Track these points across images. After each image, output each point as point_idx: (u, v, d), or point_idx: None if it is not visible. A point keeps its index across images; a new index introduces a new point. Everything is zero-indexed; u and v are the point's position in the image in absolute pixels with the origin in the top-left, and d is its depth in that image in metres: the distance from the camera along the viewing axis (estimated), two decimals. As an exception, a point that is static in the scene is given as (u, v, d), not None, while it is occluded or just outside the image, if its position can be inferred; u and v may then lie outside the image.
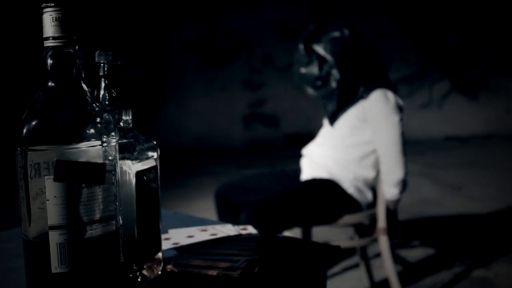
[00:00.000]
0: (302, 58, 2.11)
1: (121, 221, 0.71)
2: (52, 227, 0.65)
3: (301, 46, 2.11)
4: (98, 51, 0.80)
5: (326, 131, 2.23)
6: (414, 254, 2.84)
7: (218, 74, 6.63)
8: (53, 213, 0.65)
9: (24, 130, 0.65)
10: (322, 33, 2.08)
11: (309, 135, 5.62)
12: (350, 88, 2.08)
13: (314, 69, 2.08)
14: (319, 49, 2.07)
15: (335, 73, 2.06)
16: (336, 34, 2.05)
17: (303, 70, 2.12)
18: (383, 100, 2.03)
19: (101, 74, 0.79)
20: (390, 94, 2.06)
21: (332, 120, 2.16)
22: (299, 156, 2.36)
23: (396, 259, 2.65)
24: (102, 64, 0.79)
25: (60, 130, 0.65)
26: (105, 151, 0.68)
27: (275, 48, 6.56)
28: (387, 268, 2.18)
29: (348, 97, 2.10)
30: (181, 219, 1.18)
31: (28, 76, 3.33)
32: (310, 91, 2.17)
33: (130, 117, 0.82)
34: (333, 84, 2.08)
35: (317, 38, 2.08)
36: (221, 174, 4.87)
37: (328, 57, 2.05)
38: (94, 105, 0.69)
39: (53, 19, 0.67)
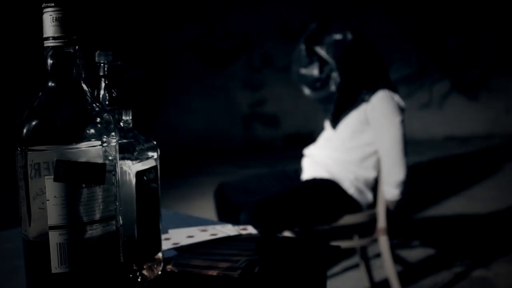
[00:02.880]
0: (303, 58, 2.10)
1: (121, 221, 0.71)
2: (52, 227, 0.65)
3: (302, 47, 2.10)
4: (98, 51, 0.80)
5: (328, 134, 2.23)
6: (414, 254, 2.84)
7: (218, 74, 6.62)
8: (53, 213, 0.65)
9: (24, 130, 0.65)
10: (324, 34, 2.07)
11: (309, 135, 5.61)
12: (349, 92, 2.08)
13: (314, 71, 2.08)
14: (321, 51, 2.06)
15: (335, 76, 2.05)
16: (339, 37, 2.05)
17: (303, 70, 2.11)
18: (385, 101, 2.03)
19: (101, 74, 0.79)
20: (392, 95, 2.06)
21: (334, 124, 2.15)
22: (299, 156, 2.36)
23: (396, 259, 2.65)
24: (102, 64, 0.79)
25: (60, 130, 0.65)
26: (105, 151, 0.68)
27: (275, 48, 6.56)
28: (387, 268, 2.18)
29: (347, 100, 2.09)
30: (181, 219, 1.18)
31: (28, 76, 3.33)
32: (307, 91, 2.17)
33: (130, 117, 0.82)
34: (332, 88, 2.07)
35: (319, 40, 2.08)
36: (221, 174, 4.87)
37: (330, 60, 2.05)
38: (94, 105, 0.69)
39: (53, 19, 0.67)
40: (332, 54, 2.04)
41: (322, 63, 2.07)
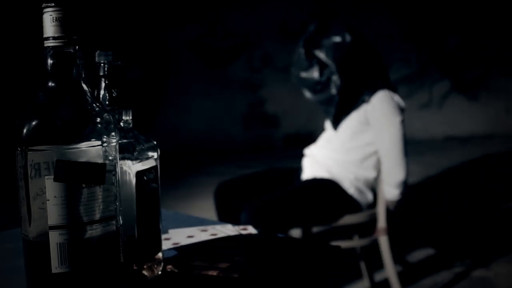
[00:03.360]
0: (302, 62, 2.10)
1: (121, 221, 0.71)
2: (52, 227, 0.65)
3: (301, 50, 2.10)
4: (98, 51, 0.80)
5: (328, 135, 2.23)
6: (414, 254, 2.84)
7: (218, 74, 6.62)
8: (53, 213, 0.65)
9: (24, 130, 0.65)
10: (324, 37, 2.07)
11: (309, 135, 5.60)
12: (350, 94, 2.08)
13: (314, 74, 2.08)
14: (321, 54, 2.06)
15: (335, 79, 2.05)
16: (338, 39, 2.04)
17: (303, 74, 2.11)
18: (385, 101, 2.03)
19: (101, 74, 0.79)
20: (392, 95, 2.06)
21: (336, 125, 2.15)
22: (299, 156, 2.36)
23: (396, 259, 2.65)
24: (102, 64, 0.79)
25: (60, 130, 0.65)
26: (105, 151, 0.68)
27: (275, 48, 6.55)
28: (387, 268, 2.18)
29: (348, 103, 2.09)
30: (181, 219, 1.18)
31: (28, 76, 3.33)
32: (308, 94, 2.17)
33: (130, 117, 0.82)
34: (333, 90, 2.07)
35: (319, 43, 2.07)
36: (221, 174, 4.87)
37: (330, 62, 2.05)
38: (94, 105, 0.69)
39: (53, 19, 0.67)
40: (331, 57, 2.04)
41: (322, 66, 2.07)
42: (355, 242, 2.32)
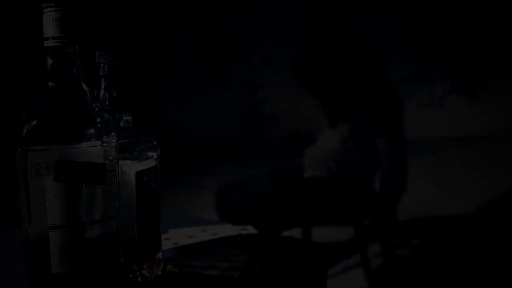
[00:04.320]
0: (304, 63, 2.11)
1: (121, 221, 0.71)
2: (52, 227, 0.65)
3: (303, 52, 2.11)
4: (98, 51, 0.80)
5: (328, 135, 2.23)
6: (414, 254, 2.84)
7: (218, 74, 6.62)
8: (53, 213, 0.65)
9: (24, 130, 0.65)
10: (324, 37, 2.08)
11: (309, 135, 5.60)
12: (350, 94, 2.08)
13: (314, 74, 2.09)
14: (321, 54, 2.07)
15: (336, 79, 2.06)
16: (338, 39, 2.05)
17: (303, 75, 2.12)
18: (384, 101, 2.04)
19: (101, 74, 0.79)
20: (391, 95, 2.06)
21: (335, 125, 2.16)
22: (299, 156, 2.36)
23: (396, 259, 2.65)
24: (102, 64, 0.79)
25: (60, 130, 0.65)
26: (105, 151, 0.68)
27: (275, 48, 6.55)
28: (387, 268, 2.18)
29: (348, 103, 2.10)
30: (181, 219, 1.18)
31: (28, 76, 3.33)
32: (308, 94, 2.17)
33: (130, 117, 0.82)
34: (334, 90, 2.07)
35: (319, 44, 2.08)
36: (221, 174, 4.87)
37: (330, 62, 2.05)
38: (94, 105, 0.69)
39: (53, 19, 0.67)
40: (331, 56, 2.05)
41: (322, 66, 2.07)
42: (355, 242, 2.32)
